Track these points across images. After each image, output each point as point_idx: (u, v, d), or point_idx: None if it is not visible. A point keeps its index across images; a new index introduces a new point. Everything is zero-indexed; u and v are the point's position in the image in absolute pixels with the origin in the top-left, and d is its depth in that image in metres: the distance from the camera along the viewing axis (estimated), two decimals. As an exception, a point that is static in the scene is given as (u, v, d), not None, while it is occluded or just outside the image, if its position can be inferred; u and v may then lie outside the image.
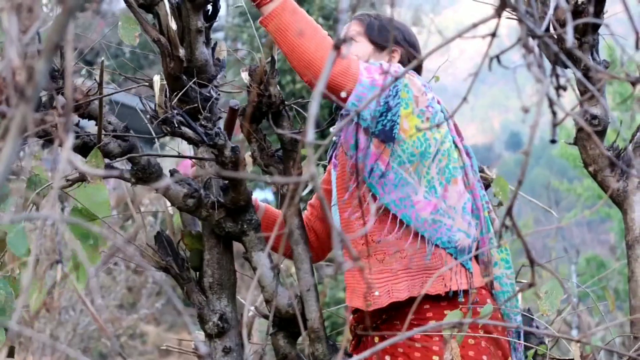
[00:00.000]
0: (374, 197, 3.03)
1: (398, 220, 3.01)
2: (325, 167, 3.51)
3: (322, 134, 8.28)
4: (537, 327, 3.37)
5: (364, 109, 2.88)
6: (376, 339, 3.10)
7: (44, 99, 2.89)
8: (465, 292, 3.02)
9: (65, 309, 9.04)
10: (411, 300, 3.01)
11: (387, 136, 2.95)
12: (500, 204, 3.45)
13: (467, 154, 3.18)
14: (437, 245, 3.02)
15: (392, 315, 3.10)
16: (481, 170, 3.46)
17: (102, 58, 2.79)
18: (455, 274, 3.02)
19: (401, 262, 3.04)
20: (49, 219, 1.42)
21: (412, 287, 3.03)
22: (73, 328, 9.02)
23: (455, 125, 3.21)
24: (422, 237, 3.01)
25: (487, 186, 3.44)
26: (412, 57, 3.24)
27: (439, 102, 3.11)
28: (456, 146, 3.14)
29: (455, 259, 3.03)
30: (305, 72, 2.90)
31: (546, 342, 3.24)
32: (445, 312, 2.98)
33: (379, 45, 3.25)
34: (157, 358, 11.64)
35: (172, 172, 3.17)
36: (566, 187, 20.15)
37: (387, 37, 3.24)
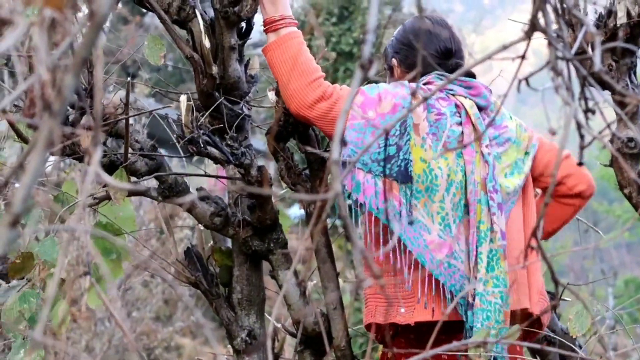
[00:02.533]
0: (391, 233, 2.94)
1: (414, 259, 2.92)
2: None
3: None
4: (580, 347, 3.35)
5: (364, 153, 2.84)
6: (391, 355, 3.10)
7: (72, 117, 2.90)
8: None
9: (101, 320, 9.09)
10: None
11: (404, 176, 2.89)
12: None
13: (487, 162, 3.00)
14: (443, 285, 2.93)
15: (405, 333, 3.06)
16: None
17: (129, 78, 2.80)
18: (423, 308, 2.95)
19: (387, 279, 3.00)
20: (75, 230, 1.42)
21: (380, 312, 3.01)
22: (108, 339, 9.06)
23: (477, 131, 3.02)
24: (430, 276, 2.93)
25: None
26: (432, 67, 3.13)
27: (460, 111, 3.02)
28: (460, 156, 3.00)
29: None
30: (288, 104, 2.98)
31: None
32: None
33: (407, 65, 3.19)
34: (192, 371, 11.65)
35: (199, 190, 3.17)
36: (605, 208, 19.99)
37: (412, 56, 3.18)
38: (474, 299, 2.90)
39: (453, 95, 3.06)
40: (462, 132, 2.99)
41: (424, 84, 3.03)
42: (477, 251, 2.94)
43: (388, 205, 2.90)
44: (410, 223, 2.89)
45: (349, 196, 2.89)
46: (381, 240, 2.94)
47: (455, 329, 2.97)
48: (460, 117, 3.02)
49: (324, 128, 2.97)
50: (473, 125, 3.02)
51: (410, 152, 2.90)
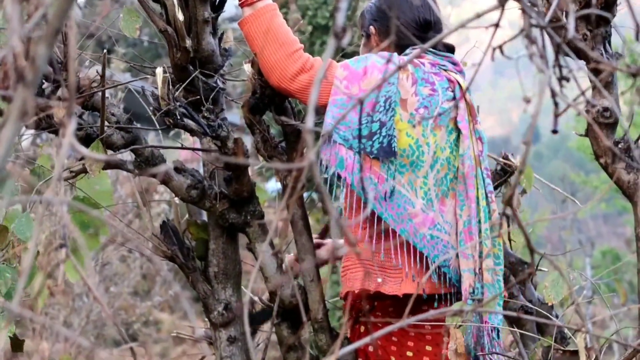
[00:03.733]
0: (373, 213, 2.95)
1: (398, 235, 2.94)
2: None
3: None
4: (557, 317, 3.36)
5: (344, 128, 2.86)
6: (362, 328, 3.11)
7: (48, 90, 2.89)
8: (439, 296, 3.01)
9: (79, 296, 9.08)
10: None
11: (387, 152, 2.89)
12: (524, 191, 3.41)
13: (479, 139, 3.07)
14: (427, 257, 2.96)
15: (382, 305, 3.07)
16: (505, 158, 3.42)
17: (104, 50, 2.79)
18: (411, 281, 2.97)
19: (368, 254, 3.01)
20: (52, 203, 1.42)
21: (363, 280, 3.02)
22: (87, 315, 9.05)
23: (471, 109, 3.07)
24: (415, 249, 2.95)
25: (511, 173, 3.39)
26: (409, 39, 3.13)
27: (453, 87, 3.04)
28: (458, 132, 3.03)
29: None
30: (267, 78, 2.97)
31: (552, 334, 3.23)
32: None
33: (386, 35, 3.17)
34: (171, 345, 11.66)
35: (176, 164, 3.16)
36: (582, 179, 20.11)
37: (387, 22, 3.16)
38: (482, 274, 2.92)
39: (445, 70, 3.06)
40: (455, 108, 2.98)
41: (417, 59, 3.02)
42: (481, 227, 2.97)
43: (368, 183, 2.91)
44: (391, 193, 2.90)
45: (327, 170, 2.88)
46: (362, 219, 2.95)
47: (440, 300, 2.99)
48: (453, 92, 3.03)
49: (305, 100, 2.96)
50: (466, 101, 3.03)
51: (394, 128, 2.88)
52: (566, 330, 3.35)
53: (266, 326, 3.41)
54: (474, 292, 2.92)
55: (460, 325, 2.80)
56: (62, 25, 1.20)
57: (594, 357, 2.87)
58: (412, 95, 2.94)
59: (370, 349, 3.06)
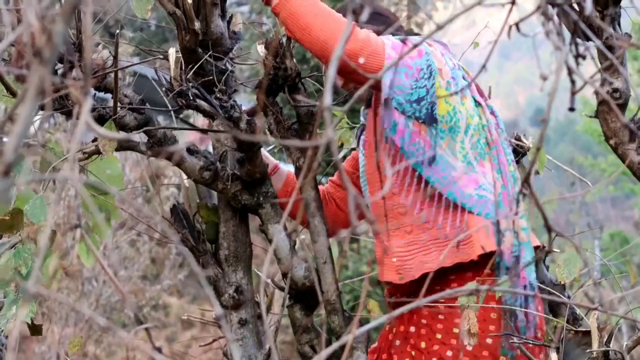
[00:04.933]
0: (420, 177, 3.02)
1: (444, 198, 3.01)
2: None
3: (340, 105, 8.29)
4: (569, 297, 3.36)
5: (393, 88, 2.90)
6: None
7: (61, 71, 2.88)
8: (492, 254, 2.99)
9: (88, 280, 9.10)
10: (440, 271, 3.00)
11: (430, 118, 2.95)
12: (536, 172, 3.42)
13: (492, 113, 3.16)
14: (479, 215, 3.01)
15: (421, 288, 3.08)
16: (518, 139, 3.44)
17: (118, 31, 2.78)
18: (487, 237, 2.99)
19: (429, 232, 3.04)
20: (68, 180, 1.41)
21: (441, 257, 3.01)
22: (96, 299, 9.08)
23: (477, 86, 3.17)
24: (463, 209, 3.01)
25: (523, 155, 3.40)
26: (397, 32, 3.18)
27: (458, 67, 3.11)
28: (478, 104, 3.12)
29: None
30: (322, 53, 2.89)
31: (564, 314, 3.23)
32: (469, 281, 2.97)
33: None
34: (180, 330, 11.70)
35: (189, 145, 3.16)
36: (591, 162, 20.06)
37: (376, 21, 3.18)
38: (517, 233, 2.97)
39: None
40: (470, 83, 3.04)
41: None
42: (508, 171, 3.07)
43: (416, 148, 2.97)
44: (433, 159, 2.97)
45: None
46: (408, 183, 3.04)
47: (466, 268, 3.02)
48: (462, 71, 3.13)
49: (359, 78, 2.93)
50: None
51: (435, 95, 2.95)
52: (578, 312, 3.35)
53: (277, 308, 3.41)
54: (513, 250, 2.97)
55: (497, 294, 2.81)
56: (79, 2, 1.20)
57: (606, 337, 2.86)
58: (444, 65, 3.01)
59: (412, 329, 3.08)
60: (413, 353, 3.06)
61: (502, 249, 2.95)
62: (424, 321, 3.05)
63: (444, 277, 3.03)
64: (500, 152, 3.09)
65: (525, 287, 3.00)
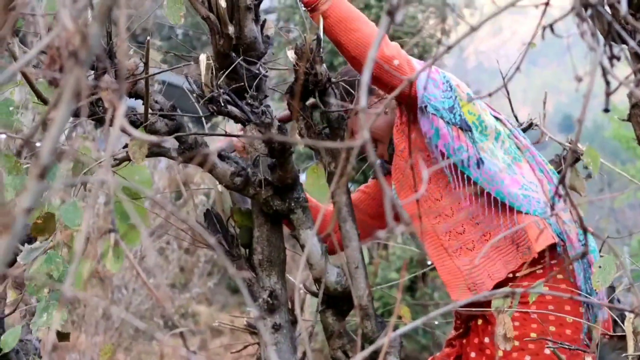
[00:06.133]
0: (467, 180, 3.10)
1: (492, 197, 3.08)
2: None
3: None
4: (619, 301, 3.34)
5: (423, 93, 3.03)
6: (480, 322, 3.16)
7: (92, 77, 2.88)
8: (553, 246, 3.06)
9: (118, 288, 9.13)
10: (510, 278, 3.09)
11: (466, 125, 3.06)
12: (589, 176, 3.41)
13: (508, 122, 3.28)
14: (527, 214, 3.08)
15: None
16: (572, 143, 3.44)
17: (149, 37, 2.78)
18: (542, 232, 3.05)
19: (488, 244, 3.05)
20: (103, 183, 1.41)
21: (507, 263, 3.08)
22: (125, 307, 9.09)
23: (489, 106, 3.28)
24: (512, 209, 3.08)
25: (577, 159, 3.39)
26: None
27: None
28: (497, 119, 3.22)
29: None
30: (364, 54, 2.95)
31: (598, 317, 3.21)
32: (540, 279, 3.03)
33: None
34: (209, 337, 11.70)
35: (220, 151, 3.16)
36: (619, 168, 19.92)
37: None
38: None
39: None
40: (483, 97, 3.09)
41: None
42: (547, 169, 3.22)
43: (461, 151, 3.06)
44: (481, 161, 3.06)
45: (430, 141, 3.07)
46: (457, 185, 3.11)
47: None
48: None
49: (393, 82, 2.99)
50: None
51: (460, 106, 3.06)
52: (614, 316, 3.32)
53: (308, 314, 3.41)
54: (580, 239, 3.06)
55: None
56: (113, 4, 1.20)
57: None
58: (459, 81, 3.16)
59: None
60: None
61: (571, 237, 3.04)
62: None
63: (514, 281, 3.07)
64: (535, 154, 3.18)
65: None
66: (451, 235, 3.14)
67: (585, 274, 3.07)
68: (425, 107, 3.01)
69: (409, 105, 3.08)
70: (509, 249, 3.07)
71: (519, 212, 3.07)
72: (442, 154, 3.04)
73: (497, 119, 3.20)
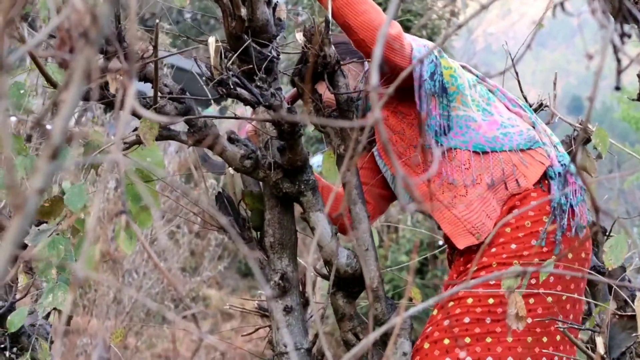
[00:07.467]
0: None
1: (472, 152, 3.15)
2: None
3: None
4: (630, 281, 3.34)
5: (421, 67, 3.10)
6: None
7: (101, 61, 2.88)
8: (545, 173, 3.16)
9: (129, 272, 9.14)
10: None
11: (442, 90, 3.14)
12: (599, 156, 3.40)
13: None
14: (511, 151, 3.17)
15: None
16: (582, 124, 3.44)
17: (157, 20, 2.77)
18: (527, 168, 3.15)
19: (480, 186, 3.15)
20: (115, 163, 1.41)
21: (500, 201, 3.15)
22: (136, 291, 9.10)
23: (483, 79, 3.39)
24: (494, 152, 3.16)
25: (587, 140, 3.38)
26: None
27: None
28: (463, 67, 3.34)
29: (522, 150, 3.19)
30: (372, 36, 3.00)
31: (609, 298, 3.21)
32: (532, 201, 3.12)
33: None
34: (220, 321, 11.72)
35: (229, 134, 3.16)
36: (629, 149, 19.86)
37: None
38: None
39: None
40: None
41: None
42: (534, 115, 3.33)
43: (435, 122, 3.16)
44: (448, 128, 3.17)
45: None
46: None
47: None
48: None
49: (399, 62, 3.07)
50: None
51: (441, 65, 3.15)
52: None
53: (319, 296, 3.41)
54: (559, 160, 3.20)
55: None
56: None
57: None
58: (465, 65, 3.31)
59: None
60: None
61: (551, 159, 3.16)
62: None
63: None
64: (505, 92, 3.32)
65: (575, 191, 3.14)
66: (444, 187, 3.16)
67: (558, 185, 3.12)
68: (421, 84, 3.12)
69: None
70: (500, 187, 3.14)
71: (502, 151, 3.15)
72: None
73: (462, 67, 3.32)
